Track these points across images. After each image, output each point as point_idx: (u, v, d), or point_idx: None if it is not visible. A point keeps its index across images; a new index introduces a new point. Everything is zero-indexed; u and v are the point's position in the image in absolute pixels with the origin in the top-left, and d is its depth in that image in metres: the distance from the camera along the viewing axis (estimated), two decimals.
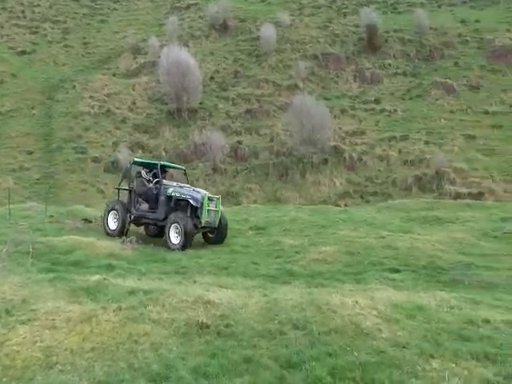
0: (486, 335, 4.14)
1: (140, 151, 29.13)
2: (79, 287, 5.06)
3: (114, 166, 26.91)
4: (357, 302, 4.60)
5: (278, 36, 38.00)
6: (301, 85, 34.72)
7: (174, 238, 9.80)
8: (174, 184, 11.02)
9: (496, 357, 3.74)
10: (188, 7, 45.85)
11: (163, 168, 11.46)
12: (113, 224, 10.53)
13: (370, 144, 29.57)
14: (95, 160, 27.80)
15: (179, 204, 10.27)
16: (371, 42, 38.00)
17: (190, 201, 10.04)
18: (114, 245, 9.12)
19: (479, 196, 23.49)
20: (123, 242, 9.35)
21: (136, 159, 12.04)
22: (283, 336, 4.08)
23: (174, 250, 9.48)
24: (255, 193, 26.99)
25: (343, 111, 32.61)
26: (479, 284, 6.92)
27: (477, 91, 34.28)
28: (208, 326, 4.22)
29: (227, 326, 4.25)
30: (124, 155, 26.65)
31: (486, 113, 32.22)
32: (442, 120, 31.50)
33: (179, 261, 8.46)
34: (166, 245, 9.77)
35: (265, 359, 3.74)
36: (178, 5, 46.66)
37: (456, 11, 43.31)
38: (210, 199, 10.32)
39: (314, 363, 3.59)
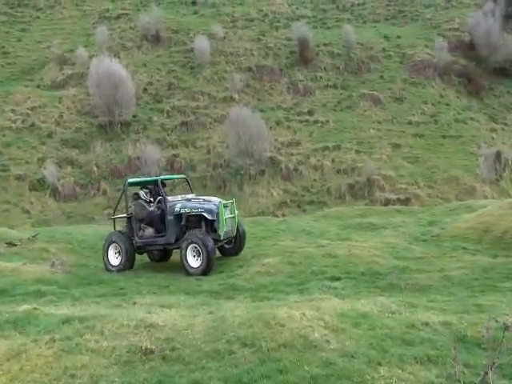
0: (426, 338, 4.30)
1: (69, 167, 27.70)
2: (5, 320, 4.59)
3: (40, 184, 25.31)
4: (304, 314, 4.59)
5: (212, 48, 38.13)
6: (236, 97, 35.00)
7: (193, 260, 8.57)
8: (179, 198, 9.64)
9: (437, 359, 3.88)
10: (118, 17, 44.57)
11: (162, 183, 10.05)
12: (114, 259, 9.22)
13: (305, 154, 30.40)
14: (19, 178, 25.93)
15: (191, 220, 8.97)
16: (303, 55, 39.31)
17: (204, 214, 8.81)
18: (42, 269, 8.47)
19: (406, 202, 24.99)
20: (52, 265, 8.70)
21: (131, 180, 10.41)
22: (232, 355, 3.96)
23: (194, 274, 8.42)
24: None
25: (278, 123, 33.29)
26: (414, 287, 7.24)
27: (401, 103, 36.57)
28: (152, 352, 3.99)
29: (173, 349, 4.05)
30: (51, 172, 25.17)
31: (410, 123, 34.46)
32: (371, 130, 33.21)
33: (116, 282, 8.03)
34: (184, 269, 8.63)
35: (214, 382, 3.60)
36: (107, 14, 45.21)
37: (379, 27, 46.11)
38: (224, 206, 9.11)
39: (265, 382, 3.51)
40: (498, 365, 3.52)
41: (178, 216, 8.99)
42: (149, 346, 4.02)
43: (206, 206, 9.01)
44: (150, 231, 9.45)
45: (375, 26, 46.49)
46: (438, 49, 40.19)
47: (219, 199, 9.53)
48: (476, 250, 9.96)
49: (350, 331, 4.35)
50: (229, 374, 3.67)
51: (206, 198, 9.79)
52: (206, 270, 8.48)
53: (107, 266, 9.24)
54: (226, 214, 9.06)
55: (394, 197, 26.22)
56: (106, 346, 4.07)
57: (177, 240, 8.95)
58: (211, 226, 8.88)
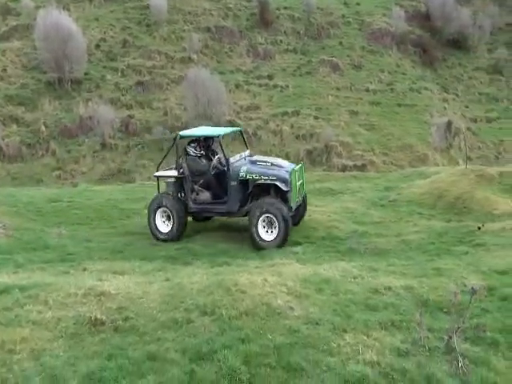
0: (389, 303, 4.24)
1: (14, 126, 25.86)
2: None
3: None
4: (266, 280, 4.41)
5: (170, 6, 36.16)
6: (195, 58, 33.65)
7: (265, 233, 7.51)
8: (238, 158, 8.28)
9: (401, 323, 3.83)
10: None
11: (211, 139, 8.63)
12: (164, 226, 8.09)
13: (264, 119, 30.01)
14: None
15: (257, 187, 7.74)
16: (263, 18, 38.14)
17: (277, 184, 7.56)
18: None
19: (362, 168, 25.45)
20: None
21: (183, 133, 8.77)
22: (190, 325, 3.72)
23: (265, 248, 7.37)
24: (149, 169, 25.76)
25: (238, 86, 32.47)
26: (373, 251, 7.28)
27: (359, 70, 36.61)
28: (103, 323, 3.67)
29: (126, 319, 3.74)
30: None
31: (367, 90, 34.68)
32: (330, 96, 33.15)
33: (64, 247, 7.51)
34: (253, 242, 7.57)
35: (171, 353, 3.35)
36: None
37: None
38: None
39: (226, 352, 3.30)
40: (461, 329, 3.49)
41: (243, 182, 7.78)
42: (99, 317, 3.69)
43: (278, 172, 7.74)
44: (206, 195, 8.17)
45: None
46: (396, 18, 40.25)
47: (289, 163, 8.42)
48: (431, 215, 10.18)
49: (313, 297, 4.22)
50: (187, 345, 3.43)
51: (273, 160, 8.42)
52: (281, 245, 7.46)
53: (155, 234, 8.11)
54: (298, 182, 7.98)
55: (350, 163, 26.61)
56: (50, 317, 3.70)
57: (240, 208, 7.86)
58: (282, 195, 7.68)
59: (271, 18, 38.55)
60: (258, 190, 7.76)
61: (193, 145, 8.45)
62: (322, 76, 35.06)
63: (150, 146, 27.02)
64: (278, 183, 7.54)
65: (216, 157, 8.47)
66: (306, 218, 9.21)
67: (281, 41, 37.66)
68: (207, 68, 30.47)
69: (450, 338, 3.43)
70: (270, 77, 34.15)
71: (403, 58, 39.24)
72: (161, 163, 9.00)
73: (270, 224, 7.52)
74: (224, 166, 8.05)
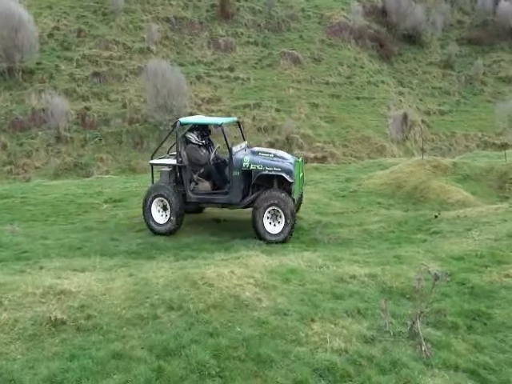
0: (355, 291, 4.31)
1: None
2: None
3: None
4: (233, 272, 4.36)
5: None
6: (154, 48, 32.88)
7: (271, 226, 7.30)
8: (239, 148, 8.04)
9: (366, 311, 3.90)
10: None
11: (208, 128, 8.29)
12: (160, 217, 7.68)
13: (226, 111, 29.81)
14: None
15: (261, 178, 7.53)
16: (224, 10, 37.78)
17: (283, 175, 7.38)
18: None
19: (323, 160, 25.88)
20: None
21: (183, 120, 8.26)
22: (157, 320, 3.62)
23: (270, 242, 7.17)
24: (107, 163, 25.05)
25: (199, 78, 32.06)
26: (337, 241, 7.40)
27: (319, 63, 37.06)
28: (63, 322, 3.51)
29: (88, 318, 3.60)
30: None
31: (327, 83, 35.19)
32: (291, 89, 33.39)
33: (19, 244, 7.15)
34: (258, 235, 7.31)
35: (137, 351, 3.25)
36: None
37: None
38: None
39: (194, 347, 3.24)
40: (423, 314, 3.60)
41: (247, 172, 7.56)
42: (59, 316, 3.53)
43: (282, 164, 7.58)
44: (205, 185, 7.89)
45: None
46: (354, 12, 41.02)
47: (290, 155, 8.21)
48: (390, 205, 10.47)
49: (280, 288, 4.22)
50: (153, 342, 3.34)
51: (275, 152, 8.20)
52: (287, 238, 7.31)
53: (151, 225, 7.70)
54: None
55: (311, 155, 26.97)
56: (5, 318, 3.50)
57: (242, 199, 7.60)
58: (285, 187, 7.52)
59: (232, 9, 38.24)
60: (261, 181, 7.60)
61: (195, 133, 8.11)
62: (282, 69, 35.21)
63: (108, 138, 26.24)
64: (283, 174, 7.41)
65: (216, 146, 8.27)
66: None
67: (242, 33, 37.45)
68: (167, 59, 29.89)
69: (414, 323, 3.53)
70: (231, 69, 33.93)
71: (361, 51, 40.05)
72: (156, 151, 8.61)
73: (274, 217, 7.37)
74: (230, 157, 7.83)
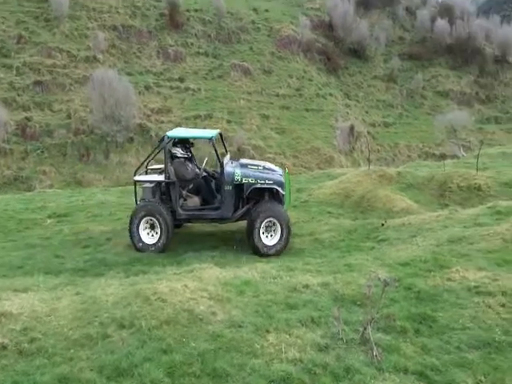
0: (308, 300, 4.37)
1: None
2: None
3: None
4: (186, 286, 4.29)
5: (72, 1, 34.02)
6: (100, 57, 32.06)
7: (267, 238, 7.29)
8: (226, 161, 7.76)
9: (320, 319, 3.96)
10: None
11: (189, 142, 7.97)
12: (147, 236, 7.33)
13: (176, 122, 29.52)
14: None
15: (253, 191, 7.41)
16: (173, 19, 37.62)
17: (276, 188, 7.38)
18: None
19: None
20: None
21: (171, 134, 7.81)
22: (107, 340, 3.48)
23: (266, 254, 7.15)
24: (51, 176, 23.97)
25: (148, 88, 31.59)
26: (290, 251, 7.49)
27: (269, 75, 37.72)
28: (5, 347, 3.28)
29: (32, 341, 3.39)
30: None
31: (277, 95, 35.86)
32: (241, 100, 33.69)
33: None
34: (255, 248, 7.27)
35: (86, 373, 3.10)
36: None
37: None
38: None
39: (147, 365, 3.14)
40: (374, 320, 3.72)
41: (238, 186, 7.43)
42: (0, 341, 3.30)
43: (273, 176, 7.57)
44: (194, 201, 7.67)
45: None
46: (302, 26, 42.32)
47: (279, 168, 8.16)
48: (339, 214, 10.74)
49: (235, 300, 4.20)
50: (104, 362, 3.21)
51: (263, 164, 8.18)
52: (282, 250, 7.32)
53: (139, 246, 7.30)
54: None
55: None
56: None
57: (233, 214, 7.47)
58: (275, 198, 7.52)
59: (181, 19, 38.14)
60: (251, 194, 7.51)
61: (179, 146, 7.84)
62: (233, 80, 35.49)
63: (52, 150, 25.15)
64: (275, 187, 7.41)
65: (205, 160, 8.11)
66: None
67: (192, 43, 37.40)
68: (114, 68, 29.21)
69: (365, 329, 3.63)
70: (181, 79, 33.73)
71: (310, 64, 41.24)
72: (140, 166, 8.12)
73: (269, 229, 7.37)
74: (213, 171, 7.81)
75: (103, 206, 11.18)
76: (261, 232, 7.28)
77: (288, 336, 3.62)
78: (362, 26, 45.84)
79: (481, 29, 50.68)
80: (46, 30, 32.44)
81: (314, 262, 6.20)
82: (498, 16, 63.07)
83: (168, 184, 7.48)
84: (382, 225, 8.72)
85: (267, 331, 3.67)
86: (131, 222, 7.34)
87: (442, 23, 49.23)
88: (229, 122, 30.85)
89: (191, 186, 7.79)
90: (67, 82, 29.17)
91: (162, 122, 29.17)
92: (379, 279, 3.57)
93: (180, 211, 7.43)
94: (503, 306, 4.19)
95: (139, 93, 30.10)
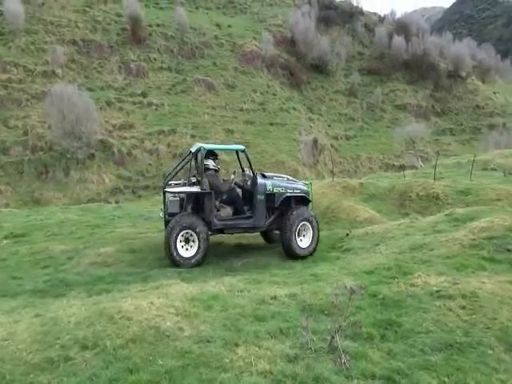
0: (276, 312, 4.37)
1: None
2: None
3: None
4: (152, 303, 4.20)
5: (28, 14, 33.26)
6: (59, 72, 31.37)
7: (302, 241, 7.86)
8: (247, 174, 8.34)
9: (289, 330, 3.96)
10: None
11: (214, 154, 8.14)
12: (184, 250, 7.27)
13: (140, 138, 29.17)
14: None
15: (283, 201, 7.89)
16: (135, 34, 37.44)
17: (305, 195, 8.09)
18: None
19: None
20: None
21: (208, 146, 7.83)
22: (69, 362, 3.34)
23: (301, 255, 7.72)
24: (7, 195, 23.01)
25: (109, 103, 31.12)
26: (257, 265, 7.48)
27: (233, 90, 38.03)
28: None
29: None
30: None
31: (241, 110, 36.15)
32: (206, 115, 33.73)
33: None
34: (289, 251, 7.72)
35: None
36: None
37: (211, 15, 46.83)
38: None
39: None
40: (341, 328, 3.76)
41: (270, 196, 7.82)
42: None
43: (298, 186, 8.23)
44: (227, 211, 7.85)
45: (207, 13, 47.07)
46: (265, 42, 43.09)
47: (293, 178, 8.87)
48: None
49: (202, 315, 4.14)
50: None
51: (284, 175, 8.87)
52: (313, 251, 7.95)
53: (177, 261, 7.18)
54: None
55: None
56: None
57: (264, 222, 7.83)
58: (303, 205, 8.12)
59: (143, 34, 37.98)
60: (281, 204, 7.98)
61: (211, 158, 7.93)
62: (197, 95, 35.52)
63: (8, 168, 24.21)
64: (304, 195, 8.11)
65: (232, 172, 8.45)
66: None
67: (154, 58, 37.24)
68: (74, 83, 28.62)
69: (333, 337, 3.66)
70: (143, 94, 33.44)
71: (273, 79, 41.91)
72: (170, 176, 8.19)
73: (300, 232, 7.94)
74: (244, 181, 8.26)
75: (63, 225, 10.82)
76: (297, 236, 7.81)
77: (257, 348, 3.60)
78: (322, 41, 47.18)
79: (435, 45, 53.35)
80: (0, 45, 31.49)
81: (280, 274, 6.22)
82: (450, 33, 66.72)
83: (203, 195, 7.57)
84: (347, 235, 8.88)
85: (236, 345, 3.63)
86: (169, 237, 7.21)
87: (398, 40, 51.43)
88: (193, 136, 30.75)
89: (224, 197, 7.97)
90: (23, 97, 28.33)
91: (125, 138, 28.73)
92: (346, 288, 3.62)
93: (215, 221, 7.54)
94: (463, 308, 4.34)
95: (100, 108, 29.59)
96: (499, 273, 5.30)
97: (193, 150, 7.96)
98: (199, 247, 7.32)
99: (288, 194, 7.94)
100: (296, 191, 8.05)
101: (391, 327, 4.11)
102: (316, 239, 8.04)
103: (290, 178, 8.74)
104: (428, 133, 37.55)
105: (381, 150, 39.08)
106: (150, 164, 27.79)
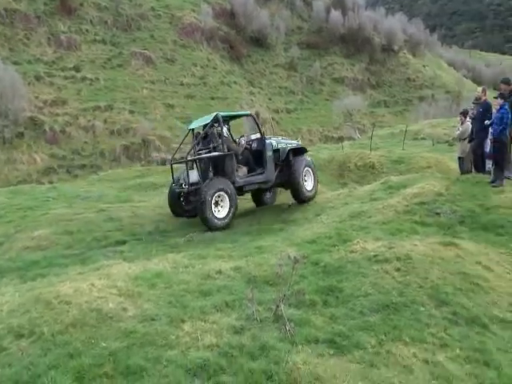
0: (222, 285, 4.38)
1: None
2: None
3: None
4: (93, 285, 4.05)
5: None
6: None
7: (307, 185, 9.02)
8: (253, 137, 9.24)
9: (234, 303, 3.99)
10: None
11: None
12: (218, 211, 7.85)
13: (73, 114, 27.60)
14: None
15: (284, 157, 8.98)
16: (64, 4, 34.81)
17: (303, 147, 9.47)
18: None
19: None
20: None
21: (222, 113, 8.62)
22: (3, 353, 3.15)
23: (308, 198, 8.92)
24: None
25: (38, 78, 28.99)
26: (201, 240, 7.43)
27: (172, 64, 36.79)
28: None
29: None
30: None
31: (182, 84, 35.16)
32: (144, 90, 32.46)
33: None
34: (299, 195, 8.87)
35: None
36: None
37: None
38: None
39: (52, 373, 2.90)
40: (286, 297, 3.84)
41: (276, 152, 8.91)
42: None
43: (294, 142, 9.50)
44: (243, 170, 8.71)
45: None
46: (204, 14, 41.79)
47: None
48: (250, 199, 10.93)
49: (147, 294, 4.06)
50: (1, 378, 2.90)
51: (279, 137, 10.00)
52: (315, 193, 9.15)
53: (213, 222, 7.72)
54: None
55: (170, 156, 26.59)
56: None
57: (274, 176, 8.82)
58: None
59: (74, 4, 35.43)
60: (283, 160, 9.01)
61: (226, 126, 8.74)
62: (134, 69, 33.99)
63: None
64: (303, 147, 9.44)
65: (244, 136, 9.35)
66: (128, 215, 9.04)
67: (87, 30, 34.98)
68: None
69: (278, 306, 3.74)
70: (76, 68, 31.46)
71: (213, 53, 40.96)
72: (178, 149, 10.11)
73: (305, 177, 9.05)
74: (248, 144, 9.09)
75: None
76: (304, 182, 8.91)
77: (203, 323, 3.60)
78: (262, 14, 46.61)
79: (369, 20, 54.50)
80: None
81: (225, 248, 6.23)
82: (383, 8, 68.44)
83: (224, 158, 8.29)
84: (289, 206, 9.06)
85: (182, 321, 3.61)
86: (204, 201, 7.65)
87: (335, 14, 51.95)
88: (131, 112, 29.57)
89: (240, 158, 8.83)
90: None
91: (57, 115, 27.03)
92: (289, 258, 3.69)
93: (238, 180, 8.38)
94: (398, 270, 4.60)
95: (29, 83, 27.52)
96: (430, 235, 5.66)
97: (190, 127, 9.16)
98: (230, 206, 8.01)
99: (290, 147, 9.12)
100: (294, 145, 9.28)
101: (333, 293, 4.28)
102: (316, 182, 9.31)
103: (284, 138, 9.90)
104: (364, 105, 38.77)
105: (320, 122, 39.86)
106: (85, 142, 26.44)
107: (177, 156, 12.25)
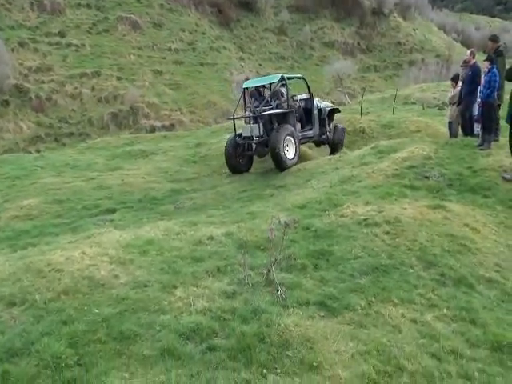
0: (213, 251, 4.40)
1: None
2: None
3: None
4: (84, 253, 4.04)
5: None
6: None
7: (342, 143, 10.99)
8: (302, 97, 10.63)
9: (226, 268, 4.02)
10: None
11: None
12: (288, 153, 9.17)
13: (60, 81, 26.90)
14: None
15: (324, 117, 10.57)
16: None
17: (338, 108, 11.64)
18: None
19: (171, 128, 25.40)
20: None
21: (286, 75, 10.06)
22: None
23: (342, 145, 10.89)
24: None
25: (22, 44, 28.02)
26: (192, 207, 7.43)
27: (160, 29, 35.69)
28: None
29: None
30: None
31: (170, 50, 34.24)
32: (132, 56, 31.61)
33: None
34: (338, 145, 10.74)
35: None
36: None
37: None
38: None
39: (46, 340, 2.91)
40: (277, 261, 3.87)
41: (319, 111, 10.50)
42: None
43: (330, 104, 11.63)
44: (298, 126, 10.00)
45: None
46: None
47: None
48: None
49: (138, 261, 4.07)
50: None
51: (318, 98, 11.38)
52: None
53: (287, 163, 9.04)
54: None
55: (159, 124, 26.21)
56: None
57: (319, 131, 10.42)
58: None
59: None
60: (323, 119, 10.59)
61: (285, 88, 9.87)
62: (121, 34, 32.97)
63: None
64: (338, 108, 11.81)
65: (299, 96, 10.51)
66: (118, 183, 9.02)
67: None
68: None
69: (269, 271, 3.78)
70: (61, 34, 30.42)
71: (202, 17, 39.70)
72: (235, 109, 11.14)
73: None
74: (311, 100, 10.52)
75: None
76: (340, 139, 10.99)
77: (196, 288, 3.62)
78: None
79: None
80: None
81: (217, 214, 6.23)
82: None
83: (288, 114, 9.59)
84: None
85: (174, 287, 3.63)
86: (277, 145, 8.88)
87: None
88: (119, 78, 28.86)
89: (297, 115, 10.08)
90: None
91: (43, 82, 26.33)
92: (280, 223, 3.69)
93: (298, 133, 9.78)
94: (387, 233, 4.64)
95: (12, 50, 26.63)
96: (418, 198, 5.70)
97: (245, 86, 10.37)
98: (296, 150, 9.34)
99: (329, 108, 10.79)
100: (332, 106, 11.20)
101: (323, 256, 4.32)
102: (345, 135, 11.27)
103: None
104: (355, 70, 38.13)
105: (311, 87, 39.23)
106: (73, 110, 25.89)
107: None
